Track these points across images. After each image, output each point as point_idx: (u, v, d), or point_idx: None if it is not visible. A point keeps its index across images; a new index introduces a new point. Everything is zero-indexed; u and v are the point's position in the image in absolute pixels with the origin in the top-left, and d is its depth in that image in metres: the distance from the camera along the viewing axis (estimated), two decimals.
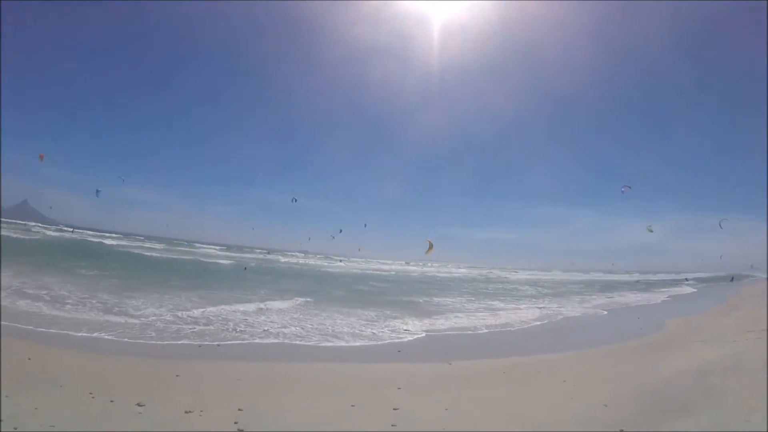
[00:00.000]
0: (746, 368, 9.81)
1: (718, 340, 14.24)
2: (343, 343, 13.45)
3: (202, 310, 16.43)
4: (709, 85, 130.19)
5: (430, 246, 28.77)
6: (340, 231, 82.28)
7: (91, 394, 7.17)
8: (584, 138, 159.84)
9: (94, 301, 15.97)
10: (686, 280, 72.68)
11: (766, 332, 14.19)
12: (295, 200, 43.02)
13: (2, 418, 5.79)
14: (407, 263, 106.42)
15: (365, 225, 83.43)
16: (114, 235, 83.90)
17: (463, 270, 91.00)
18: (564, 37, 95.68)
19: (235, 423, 6.39)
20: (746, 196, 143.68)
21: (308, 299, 22.28)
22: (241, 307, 17.92)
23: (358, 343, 13.58)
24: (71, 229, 79.11)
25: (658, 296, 39.77)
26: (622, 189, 35.36)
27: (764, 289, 39.06)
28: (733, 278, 72.52)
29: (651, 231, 40.02)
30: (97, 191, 34.75)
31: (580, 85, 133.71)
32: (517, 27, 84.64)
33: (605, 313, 25.46)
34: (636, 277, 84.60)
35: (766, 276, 71.54)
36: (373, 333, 15.23)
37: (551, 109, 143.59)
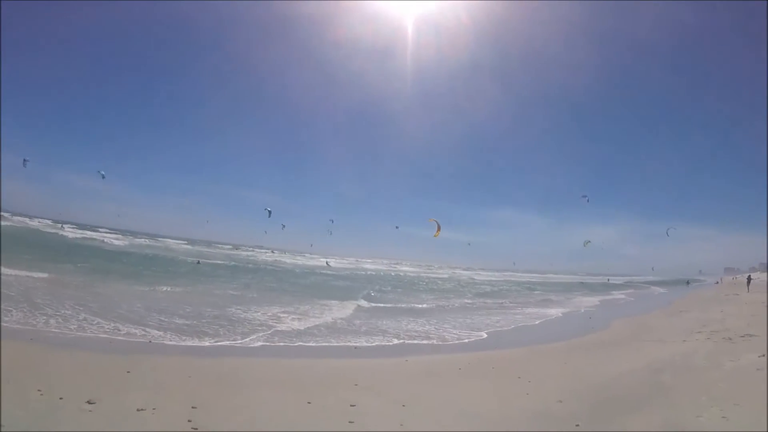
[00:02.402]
0: (696, 367, 10.19)
1: (668, 339, 14.72)
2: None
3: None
4: (674, 96, 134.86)
5: (438, 228, 28.90)
6: (332, 221, 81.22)
7: (39, 390, 6.88)
8: (544, 143, 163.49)
9: (70, 302, 14.87)
10: (608, 280, 78.46)
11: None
12: (269, 211, 41.62)
13: None
14: (395, 262, 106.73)
15: (331, 221, 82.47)
16: (71, 226, 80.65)
17: (440, 270, 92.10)
18: (545, 39, 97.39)
19: (189, 421, 6.25)
20: (694, 204, 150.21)
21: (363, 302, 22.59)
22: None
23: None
24: (60, 225, 74.69)
25: (614, 297, 41.58)
26: (586, 198, 37.05)
27: (711, 294, 40.82)
28: (688, 282, 76.47)
29: (586, 245, 43.11)
30: (24, 161, 33.41)
31: (543, 89, 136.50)
32: (489, 29, 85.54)
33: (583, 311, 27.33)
34: (598, 279, 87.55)
35: (715, 281, 75.85)
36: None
37: (514, 112, 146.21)
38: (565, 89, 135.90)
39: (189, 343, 11.81)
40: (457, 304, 27.75)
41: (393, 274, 65.49)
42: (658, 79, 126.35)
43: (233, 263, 50.26)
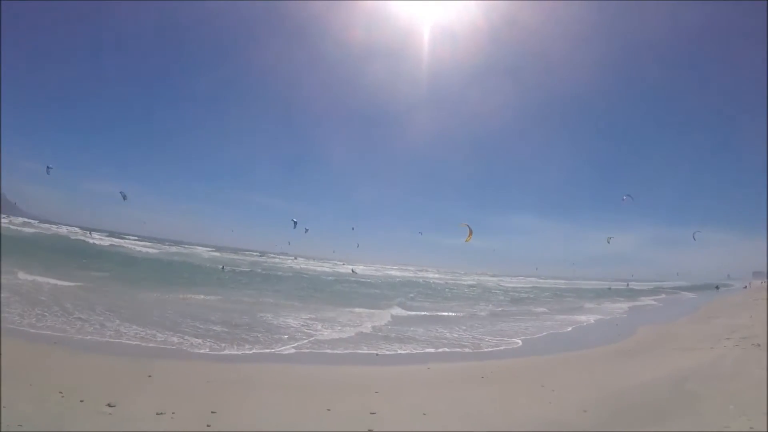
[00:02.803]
0: (724, 376, 9.87)
1: (695, 347, 14.36)
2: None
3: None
4: (689, 97, 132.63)
5: (470, 232, 27.86)
6: (353, 228, 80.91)
7: (60, 393, 6.97)
8: (562, 148, 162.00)
9: (101, 308, 15.00)
10: (627, 284, 76.90)
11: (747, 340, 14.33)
12: (295, 222, 40.60)
13: None
14: (419, 269, 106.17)
15: (353, 228, 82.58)
16: (98, 233, 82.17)
17: (465, 277, 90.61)
18: (551, 43, 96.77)
19: (208, 426, 6.24)
20: (719, 209, 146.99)
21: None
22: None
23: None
24: (88, 232, 75.98)
25: (643, 303, 40.95)
26: (624, 197, 36.53)
27: (739, 299, 39.81)
28: (718, 287, 74.79)
29: (609, 241, 42.62)
30: (48, 168, 33.26)
31: (562, 93, 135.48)
32: (507, 30, 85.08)
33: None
34: (622, 285, 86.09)
35: (743, 286, 73.64)
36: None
37: (531, 118, 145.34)
38: (583, 92, 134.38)
39: (228, 351, 11.70)
40: (489, 311, 27.45)
41: (421, 281, 63.79)
42: (682, 80, 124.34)
43: (263, 271, 49.56)
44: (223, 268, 44.05)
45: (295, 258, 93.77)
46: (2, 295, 14.91)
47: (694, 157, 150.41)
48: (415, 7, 73.76)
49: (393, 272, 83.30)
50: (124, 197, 34.08)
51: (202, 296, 21.68)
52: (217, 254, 75.49)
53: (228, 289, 27.15)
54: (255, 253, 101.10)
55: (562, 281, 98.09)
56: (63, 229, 72.74)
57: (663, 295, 56.53)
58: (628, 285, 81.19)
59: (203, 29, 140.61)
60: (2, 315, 12.40)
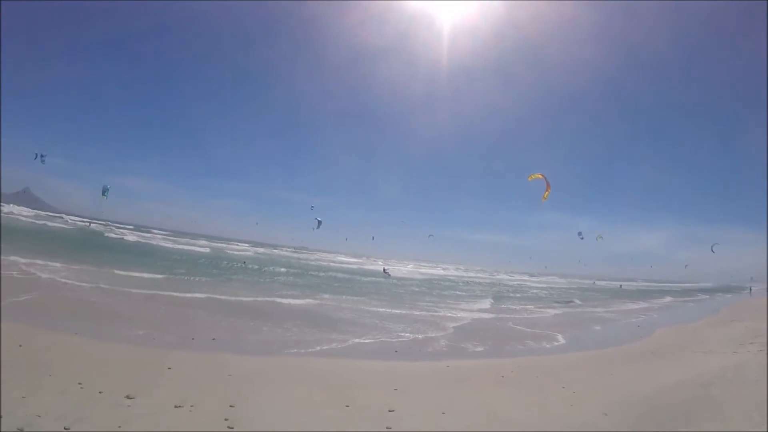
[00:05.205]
0: (748, 380, 9.63)
1: (717, 350, 14.08)
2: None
3: None
4: (709, 92, 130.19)
5: (548, 187, 21.73)
6: (373, 238, 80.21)
7: (80, 384, 7.00)
8: (588, 143, 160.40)
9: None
10: (620, 286, 73.49)
11: (766, 344, 14.05)
12: (319, 222, 39.66)
13: None
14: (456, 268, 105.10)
15: (373, 238, 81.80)
16: (129, 226, 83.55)
17: (508, 276, 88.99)
18: (570, 39, 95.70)
19: (225, 420, 6.22)
20: (746, 207, 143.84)
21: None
22: None
23: None
24: (88, 222, 77.24)
25: (668, 305, 40.90)
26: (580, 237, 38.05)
27: (761, 301, 39.01)
28: (751, 289, 73.12)
29: (600, 238, 43.22)
30: (42, 157, 32.48)
31: (586, 88, 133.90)
32: (525, 28, 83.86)
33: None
34: (643, 285, 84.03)
35: (766, 288, 71.64)
36: None
37: (556, 112, 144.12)
38: (605, 88, 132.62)
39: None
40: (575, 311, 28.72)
41: (465, 280, 61.84)
42: (713, 73, 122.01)
43: (319, 272, 45.50)
44: (244, 263, 44.02)
45: (316, 251, 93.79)
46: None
47: (715, 154, 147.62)
48: (433, 5, 72.94)
49: (424, 269, 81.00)
50: (105, 192, 32.68)
51: (299, 300, 21.31)
52: (262, 251, 75.80)
53: (312, 290, 26.60)
54: (289, 249, 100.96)
55: (581, 280, 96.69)
56: (127, 231, 73.00)
57: (694, 296, 55.77)
58: (620, 286, 75.45)
59: (231, 28, 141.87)
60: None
